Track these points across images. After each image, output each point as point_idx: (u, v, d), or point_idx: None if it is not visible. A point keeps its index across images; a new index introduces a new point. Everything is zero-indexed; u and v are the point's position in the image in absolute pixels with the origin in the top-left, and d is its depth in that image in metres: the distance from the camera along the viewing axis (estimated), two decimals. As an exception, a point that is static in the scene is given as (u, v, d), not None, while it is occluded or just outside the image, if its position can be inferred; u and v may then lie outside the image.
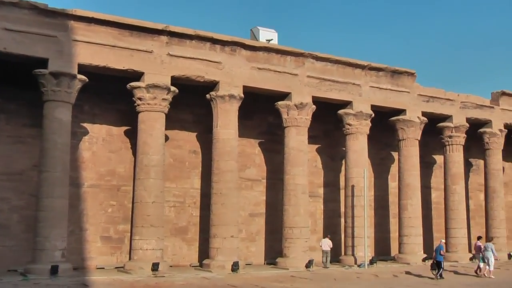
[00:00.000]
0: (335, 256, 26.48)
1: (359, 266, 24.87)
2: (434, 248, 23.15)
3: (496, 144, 31.68)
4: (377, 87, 27.16)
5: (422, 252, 27.47)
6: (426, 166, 31.26)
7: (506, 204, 33.01)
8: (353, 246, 25.96)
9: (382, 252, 28.83)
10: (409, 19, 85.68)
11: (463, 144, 30.17)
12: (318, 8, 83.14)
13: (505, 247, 30.60)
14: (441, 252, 22.06)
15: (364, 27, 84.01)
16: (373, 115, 26.80)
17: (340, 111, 26.54)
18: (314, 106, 25.11)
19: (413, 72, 28.24)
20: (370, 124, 26.79)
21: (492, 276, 22.44)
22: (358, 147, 26.51)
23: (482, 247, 23.21)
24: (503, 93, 32.30)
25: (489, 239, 25.00)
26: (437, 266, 22.00)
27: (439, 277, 21.64)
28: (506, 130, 32.20)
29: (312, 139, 26.47)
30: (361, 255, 25.24)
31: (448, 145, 30.02)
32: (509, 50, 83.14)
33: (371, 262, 25.23)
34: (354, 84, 26.43)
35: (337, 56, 26.14)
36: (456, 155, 30.01)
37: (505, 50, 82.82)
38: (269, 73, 24.30)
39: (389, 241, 29.73)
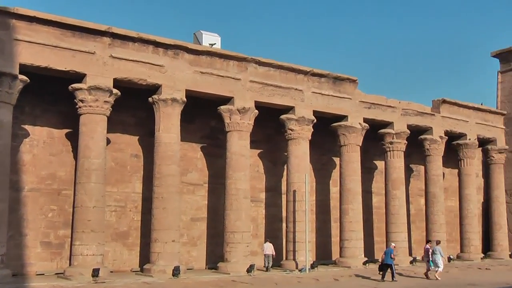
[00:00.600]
0: (276, 261, 27.72)
1: (300, 270, 26.02)
2: (384, 251, 24.76)
3: (436, 150, 33.94)
4: (319, 93, 28.67)
5: (363, 255, 29.16)
6: (368, 172, 33.09)
7: (446, 209, 35.45)
8: (294, 251, 27.08)
9: (323, 256, 30.41)
10: (352, 27, 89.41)
11: (404, 150, 32.12)
12: (261, 14, 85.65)
13: (445, 250, 32.52)
14: (392, 256, 23.80)
15: (307, 34, 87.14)
16: (315, 120, 28.23)
17: (283, 116, 27.80)
18: (256, 111, 26.29)
19: (355, 79, 29.96)
20: (312, 130, 28.18)
21: (439, 278, 24.53)
22: (300, 152, 27.84)
23: (431, 250, 25.22)
24: (444, 101, 34.75)
25: (437, 242, 26.93)
26: (385, 268, 23.80)
27: (392, 279, 23.42)
28: (447, 137, 34.62)
29: (254, 144, 27.74)
30: (302, 259, 26.40)
31: (389, 151, 31.90)
32: (449, 59, 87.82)
33: (312, 266, 26.46)
34: (296, 89, 27.82)
35: (280, 61, 27.42)
36: (397, 161, 31.95)
37: (446, 59, 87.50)
38: (212, 77, 25.32)
39: (330, 246, 31.28)
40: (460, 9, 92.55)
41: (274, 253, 27.15)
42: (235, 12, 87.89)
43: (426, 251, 25.57)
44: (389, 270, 23.79)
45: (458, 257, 35.31)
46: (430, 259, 25.01)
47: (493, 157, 38.53)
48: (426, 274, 25.34)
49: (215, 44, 28.57)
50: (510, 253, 37.10)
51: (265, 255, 26.92)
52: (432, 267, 25.02)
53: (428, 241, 27.27)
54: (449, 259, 32.51)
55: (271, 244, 27.12)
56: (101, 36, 22.66)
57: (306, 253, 26.33)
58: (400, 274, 25.78)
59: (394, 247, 25.54)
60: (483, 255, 36.07)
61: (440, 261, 24.89)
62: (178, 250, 23.97)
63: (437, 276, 24.73)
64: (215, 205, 27.49)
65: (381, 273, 24.07)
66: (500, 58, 41.99)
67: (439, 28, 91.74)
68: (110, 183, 24.51)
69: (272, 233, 29.11)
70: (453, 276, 25.04)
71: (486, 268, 29.48)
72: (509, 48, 41.05)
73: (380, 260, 24.77)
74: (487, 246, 38.05)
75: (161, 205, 23.67)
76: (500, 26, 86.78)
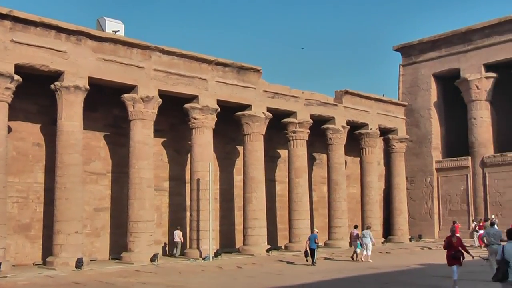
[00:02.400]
0: (180, 249, 29.45)
1: (204, 259, 27.47)
2: (308, 237, 26.93)
3: (338, 139, 36.81)
4: (223, 82, 30.39)
5: (266, 243, 31.23)
6: (271, 160, 35.37)
7: (348, 196, 38.64)
8: (198, 239, 28.62)
9: (227, 244, 32.28)
10: (256, 17, 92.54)
11: (307, 139, 34.64)
12: (166, 2, 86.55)
13: (346, 235, 35.23)
14: (316, 241, 26.13)
15: (212, 23, 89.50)
16: (219, 109, 29.88)
17: (186, 105, 29.22)
18: (160, 100, 27.54)
19: (259, 68, 31.94)
20: (216, 119, 29.83)
21: (370, 260, 27.06)
22: (203, 141, 29.40)
23: (360, 234, 27.93)
24: (346, 92, 37.73)
25: (367, 227, 29.87)
26: (310, 253, 26.08)
27: (312, 263, 25.62)
28: (349, 127, 37.67)
29: (158, 133, 29.00)
30: (206, 248, 27.97)
31: (292, 140, 34.28)
32: (353, 51, 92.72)
33: (216, 254, 28.14)
34: (200, 78, 29.30)
35: (184, 50, 28.75)
36: (300, 149, 34.39)
37: (350, 51, 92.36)
38: (116, 65, 26.26)
39: (234, 234, 33.22)
40: (365, 2, 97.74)
41: (182, 240, 29.27)
42: (139, 0, 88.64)
43: (355, 236, 28.15)
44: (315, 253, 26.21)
45: (360, 242, 38.39)
46: (359, 242, 27.61)
47: (394, 146, 42.22)
48: (352, 257, 28.03)
49: (118, 31, 29.30)
50: (409, 237, 40.73)
51: (174, 241, 28.92)
52: (359, 250, 27.58)
53: (355, 226, 29.91)
54: (350, 245, 35.07)
55: (180, 232, 29.18)
56: (1, 19, 22.86)
57: (209, 241, 27.87)
58: (328, 259, 28.73)
59: (317, 232, 27.85)
60: (384, 239, 39.79)
61: (370, 245, 27.49)
62: (81, 241, 24.70)
63: (367, 259, 27.22)
64: (119, 194, 28.46)
65: (308, 258, 26.32)
66: (402, 52, 45.83)
67: (344, 20, 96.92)
68: (11, 173, 24.76)
69: (176, 222, 30.53)
70: (325, 265, 26.81)
71: (386, 252, 32.44)
72: (411, 42, 44.90)
73: (305, 247, 26.78)
74: (388, 231, 41.73)
75: (63, 195, 24.22)
76: (403, 20, 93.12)
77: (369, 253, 27.65)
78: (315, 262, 25.92)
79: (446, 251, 17.35)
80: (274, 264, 26.32)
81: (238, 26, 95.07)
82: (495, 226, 21.95)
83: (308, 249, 26.34)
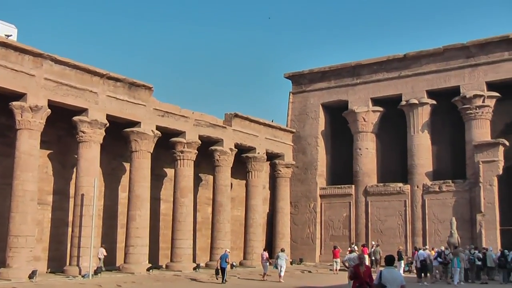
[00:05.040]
0: (59, 266, 30.01)
1: (83, 276, 27.88)
2: (220, 256, 29.58)
3: (226, 161, 38.79)
4: (114, 97, 31.39)
5: (147, 262, 32.33)
6: (157, 179, 36.64)
7: (232, 218, 40.63)
8: (78, 256, 28.99)
9: (108, 262, 32.79)
10: (154, 35, 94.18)
11: (194, 159, 36.30)
12: (62, 10, 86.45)
13: (229, 258, 37.04)
14: (227, 260, 28.81)
15: (109, 37, 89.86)
16: (108, 124, 30.77)
17: (75, 118, 29.79)
18: (49, 110, 27.91)
19: (151, 86, 33.26)
20: (104, 134, 30.66)
21: (282, 281, 29.65)
22: (90, 155, 30.08)
23: (266, 256, 31.76)
24: (236, 115, 39.94)
25: (282, 250, 32.42)
26: (221, 272, 28.66)
27: (222, 281, 28.15)
28: (236, 150, 39.74)
29: (44, 144, 29.35)
30: (86, 265, 28.44)
31: (180, 159, 35.84)
32: (247, 75, 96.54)
33: (96, 272, 28.73)
34: (91, 91, 30.09)
35: (77, 61, 29.46)
36: (187, 169, 35.97)
37: (244, 75, 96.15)
38: (6, 70, 26.37)
39: (116, 252, 33.94)
40: (261, 28, 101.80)
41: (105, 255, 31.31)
42: (34, 5, 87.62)
43: (263, 257, 31.81)
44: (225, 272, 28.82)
45: (241, 264, 40.53)
46: (268, 263, 31.52)
47: (280, 171, 44.85)
48: (263, 276, 30.94)
49: (11, 35, 29.31)
50: (291, 260, 42.94)
51: (99, 258, 30.53)
52: (266, 270, 31.25)
53: (264, 249, 33.48)
54: (232, 266, 36.77)
55: (103, 249, 31.26)
56: None
57: (90, 258, 28.52)
58: (234, 276, 31.47)
59: (229, 252, 30.38)
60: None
61: (284, 266, 30.26)
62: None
63: (280, 279, 29.85)
64: (1, 207, 28.36)
65: (218, 277, 29.13)
66: (293, 80, 48.79)
67: (240, 44, 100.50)
68: None
69: (58, 237, 30.97)
70: (232, 282, 29.16)
71: (267, 274, 34.23)
72: (301, 71, 47.97)
73: (217, 265, 29.90)
74: (270, 254, 43.52)
75: None
76: (297, 48, 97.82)
77: (282, 273, 30.23)
78: (225, 280, 28.38)
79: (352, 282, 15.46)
80: (153, 283, 27.46)
81: (133, 43, 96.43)
82: (354, 253, 25.72)
83: (219, 268, 29.00)
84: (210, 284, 28.46)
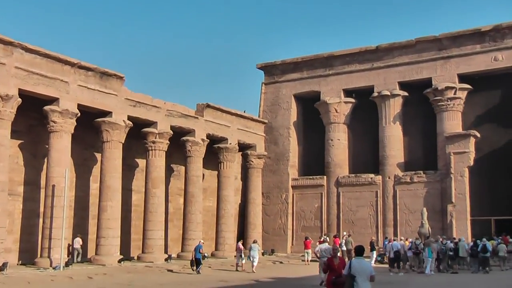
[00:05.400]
0: (31, 258, 29.82)
1: (54, 268, 27.65)
2: (194, 247, 30.00)
3: (197, 152, 38.83)
4: (85, 87, 31.15)
5: (119, 253, 32.28)
6: (129, 169, 36.52)
7: (204, 209, 40.77)
8: (49, 248, 28.85)
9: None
10: (125, 24, 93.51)
11: (166, 150, 36.26)
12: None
13: (202, 249, 37.06)
14: (201, 251, 29.37)
15: (79, 27, 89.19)
16: (79, 114, 30.62)
17: (46, 107, 29.54)
18: (20, 99, 27.69)
19: (122, 76, 33.08)
20: (76, 123, 30.52)
21: (255, 271, 30.18)
22: (61, 145, 29.90)
23: (248, 246, 32.38)
24: (208, 106, 39.93)
25: (254, 241, 32.80)
26: (196, 263, 29.18)
27: (197, 272, 28.81)
28: (208, 140, 39.81)
29: (15, 134, 29.05)
30: (57, 257, 28.28)
31: (151, 150, 35.77)
32: (219, 66, 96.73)
33: (67, 264, 28.67)
34: (62, 81, 29.85)
35: (48, 50, 29.16)
36: (158, 160, 35.93)
37: (214, 66, 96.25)
38: None
39: (87, 243, 33.70)
40: (234, 18, 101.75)
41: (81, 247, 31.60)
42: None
43: (238, 248, 32.30)
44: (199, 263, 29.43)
45: (213, 255, 40.51)
46: (242, 255, 31.84)
47: (252, 161, 44.99)
48: (237, 267, 31.59)
49: None
50: (262, 251, 43.16)
51: (74, 248, 31.02)
52: (244, 261, 31.81)
53: (239, 240, 33.87)
54: (204, 257, 36.84)
55: (80, 239, 31.53)
56: None
57: (61, 250, 28.27)
58: (209, 267, 32.01)
59: (203, 243, 31.01)
60: (237, 253, 42.22)
61: (256, 257, 31.00)
62: None
63: (252, 270, 30.38)
64: None
65: (193, 268, 29.47)
66: (265, 70, 48.91)
67: (212, 35, 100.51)
68: None
69: (29, 229, 30.66)
70: (206, 273, 29.37)
71: (231, 265, 34.36)
72: (274, 62, 48.11)
73: (191, 256, 30.42)
74: (243, 244, 43.98)
75: None
76: (270, 39, 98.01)
77: (255, 264, 30.87)
78: (199, 271, 28.99)
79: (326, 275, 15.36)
80: (125, 275, 27.48)
81: (105, 32, 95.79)
82: (326, 243, 26.35)
83: (194, 259, 29.50)
84: (185, 275, 28.64)
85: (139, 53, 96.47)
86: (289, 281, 26.98)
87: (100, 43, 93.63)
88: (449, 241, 32.72)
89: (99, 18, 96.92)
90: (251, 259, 31.06)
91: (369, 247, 35.01)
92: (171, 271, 30.22)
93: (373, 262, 34.00)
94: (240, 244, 32.87)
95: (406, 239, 33.96)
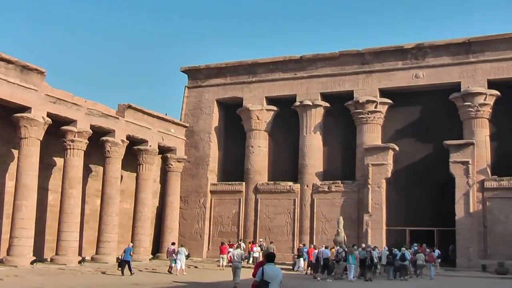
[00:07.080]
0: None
1: None
2: (124, 250, 30.25)
3: (117, 153, 38.36)
4: (5, 80, 30.27)
5: (32, 254, 31.49)
6: (46, 168, 35.59)
7: (121, 211, 40.25)
8: None
9: None
10: (47, 20, 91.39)
11: (85, 149, 35.65)
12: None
13: (114, 251, 37.17)
14: (131, 253, 29.94)
15: (3, 17, 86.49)
16: (-3, 109, 29.87)
17: None
18: None
19: (43, 71, 32.37)
20: None
21: (185, 273, 31.32)
22: None
23: (176, 250, 32.09)
24: (129, 106, 39.56)
25: (181, 245, 33.60)
26: (123, 265, 29.52)
27: (130, 273, 29.14)
28: (128, 141, 39.39)
29: None
30: None
31: (70, 149, 35.02)
32: (141, 67, 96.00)
33: None
34: None
35: None
36: (77, 159, 35.25)
37: (138, 67, 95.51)
38: None
39: (0, 243, 32.56)
40: (160, 22, 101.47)
41: None
42: None
43: (171, 251, 32.74)
44: (127, 266, 29.52)
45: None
46: (175, 258, 31.92)
47: (171, 165, 44.79)
48: (169, 270, 32.20)
49: None
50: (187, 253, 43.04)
51: None
52: (173, 264, 32.17)
53: (173, 243, 34.49)
54: (117, 259, 36.19)
55: None
56: None
57: None
58: (141, 270, 31.92)
59: (133, 246, 32.12)
60: (152, 256, 42.20)
61: (183, 260, 31.94)
62: None
63: (182, 272, 31.34)
64: None
65: (120, 269, 29.63)
66: (189, 74, 48.92)
67: (137, 35, 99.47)
68: None
69: None
70: (123, 276, 28.91)
71: (152, 269, 34.34)
72: (198, 66, 48.25)
73: (120, 257, 30.71)
74: (158, 248, 44.10)
75: None
76: (193, 43, 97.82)
77: (183, 267, 31.91)
78: (132, 272, 29.51)
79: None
80: (37, 277, 26.82)
81: (28, 26, 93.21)
82: (240, 249, 27.88)
83: (122, 261, 29.83)
84: (98, 277, 28.19)
85: (63, 50, 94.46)
86: (203, 286, 27.18)
87: (23, 37, 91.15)
88: (376, 251, 33.23)
89: (24, 13, 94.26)
90: (178, 262, 31.76)
91: (297, 254, 36.43)
92: (102, 272, 30.35)
93: (301, 268, 35.68)
94: (172, 246, 33.16)
95: (332, 248, 34.48)
